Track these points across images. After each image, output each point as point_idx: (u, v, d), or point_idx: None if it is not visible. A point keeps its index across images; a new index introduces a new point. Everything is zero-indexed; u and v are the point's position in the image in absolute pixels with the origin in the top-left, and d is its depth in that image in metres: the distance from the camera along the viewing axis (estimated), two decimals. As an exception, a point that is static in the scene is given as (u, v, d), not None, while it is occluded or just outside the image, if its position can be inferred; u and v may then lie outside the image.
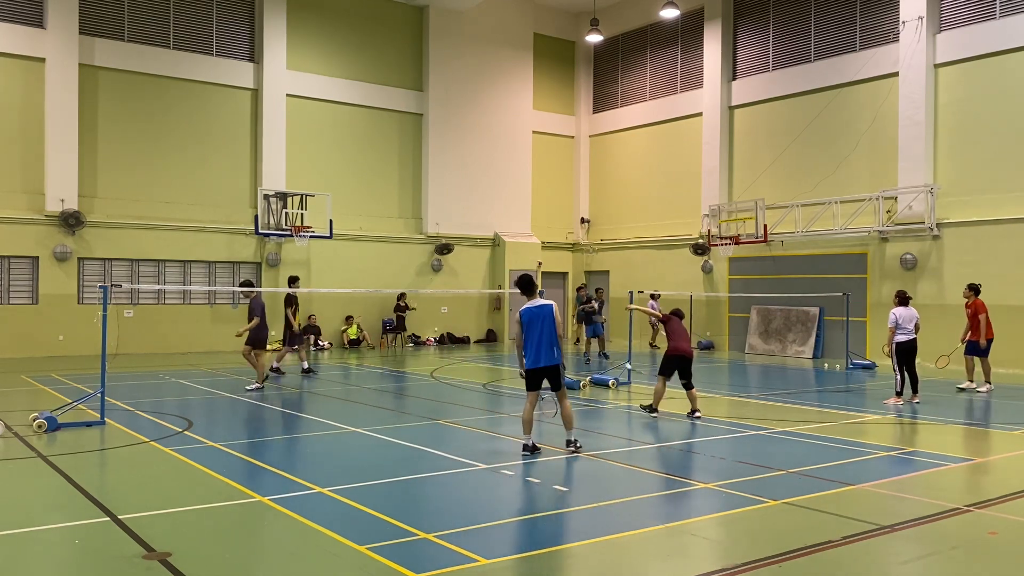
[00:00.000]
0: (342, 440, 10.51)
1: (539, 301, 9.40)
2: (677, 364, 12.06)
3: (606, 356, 21.60)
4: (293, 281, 17.74)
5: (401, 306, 25.66)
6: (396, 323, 25.91)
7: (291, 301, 17.17)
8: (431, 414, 12.48)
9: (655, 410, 12.18)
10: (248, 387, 14.83)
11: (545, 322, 9.20)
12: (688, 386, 12.02)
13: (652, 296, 25.25)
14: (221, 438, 10.40)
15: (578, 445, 9.32)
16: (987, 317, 15.28)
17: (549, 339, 9.17)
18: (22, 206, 21.39)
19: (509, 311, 28.72)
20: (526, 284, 9.42)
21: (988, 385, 15.31)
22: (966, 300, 15.55)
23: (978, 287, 15.57)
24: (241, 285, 15.90)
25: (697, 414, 11.91)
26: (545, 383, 9.36)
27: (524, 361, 9.26)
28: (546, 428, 10.66)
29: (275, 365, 17.12)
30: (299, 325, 17.23)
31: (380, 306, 26.38)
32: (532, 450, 9.15)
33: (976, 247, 19.86)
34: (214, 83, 24.21)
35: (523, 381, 9.38)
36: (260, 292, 15.42)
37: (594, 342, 21.85)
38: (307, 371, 17.40)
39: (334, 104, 26.14)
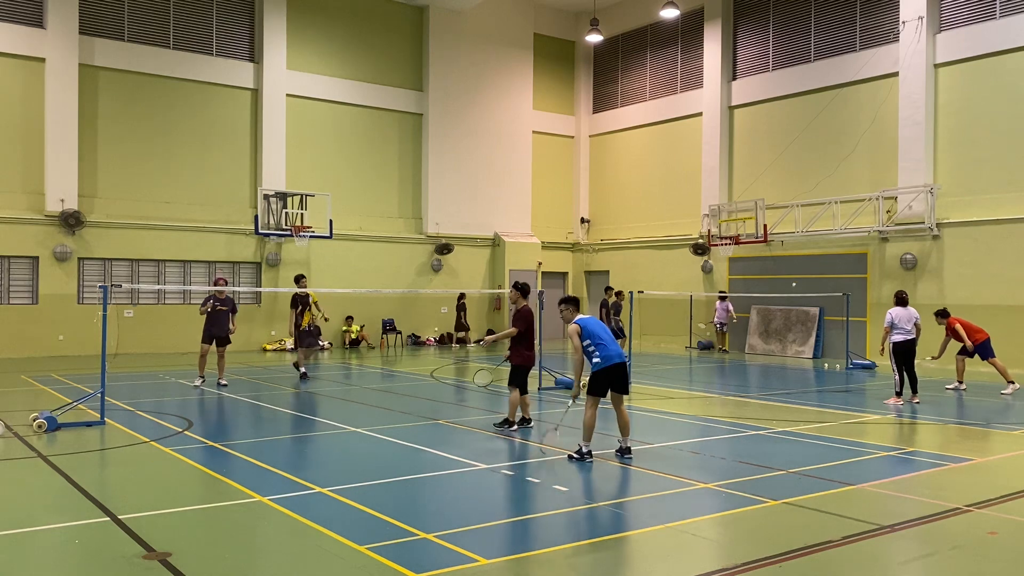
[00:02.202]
0: (342, 440, 10.51)
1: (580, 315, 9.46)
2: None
3: None
4: (297, 280, 16.61)
5: (462, 304, 26.75)
6: (456, 324, 26.98)
7: (296, 302, 16.52)
8: (431, 414, 12.48)
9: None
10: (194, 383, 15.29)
11: (600, 324, 9.28)
12: (525, 391, 10.83)
13: (720, 297, 25.05)
14: (221, 438, 10.41)
15: (628, 453, 9.06)
16: (964, 323, 15.14)
17: (612, 337, 9.19)
18: (22, 206, 21.39)
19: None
20: (576, 301, 9.76)
21: (1012, 385, 15.05)
22: (940, 324, 15.24)
23: (943, 310, 15.33)
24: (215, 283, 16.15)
25: (529, 424, 10.92)
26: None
27: (594, 364, 8.85)
28: (548, 431, 10.65)
29: (301, 370, 16.57)
30: (307, 325, 16.60)
31: (381, 306, 26.38)
32: (587, 456, 8.82)
33: (976, 247, 19.86)
34: (214, 83, 24.20)
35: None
36: (214, 291, 15.47)
37: None
38: (302, 374, 16.60)
39: (334, 104, 26.14)
